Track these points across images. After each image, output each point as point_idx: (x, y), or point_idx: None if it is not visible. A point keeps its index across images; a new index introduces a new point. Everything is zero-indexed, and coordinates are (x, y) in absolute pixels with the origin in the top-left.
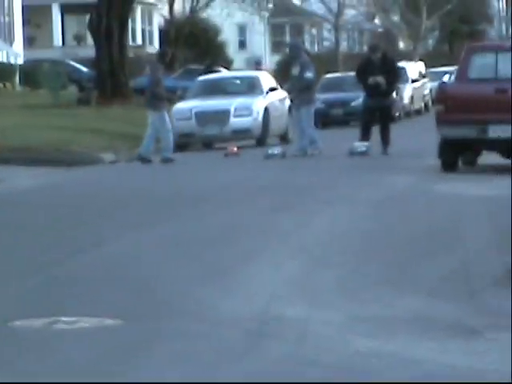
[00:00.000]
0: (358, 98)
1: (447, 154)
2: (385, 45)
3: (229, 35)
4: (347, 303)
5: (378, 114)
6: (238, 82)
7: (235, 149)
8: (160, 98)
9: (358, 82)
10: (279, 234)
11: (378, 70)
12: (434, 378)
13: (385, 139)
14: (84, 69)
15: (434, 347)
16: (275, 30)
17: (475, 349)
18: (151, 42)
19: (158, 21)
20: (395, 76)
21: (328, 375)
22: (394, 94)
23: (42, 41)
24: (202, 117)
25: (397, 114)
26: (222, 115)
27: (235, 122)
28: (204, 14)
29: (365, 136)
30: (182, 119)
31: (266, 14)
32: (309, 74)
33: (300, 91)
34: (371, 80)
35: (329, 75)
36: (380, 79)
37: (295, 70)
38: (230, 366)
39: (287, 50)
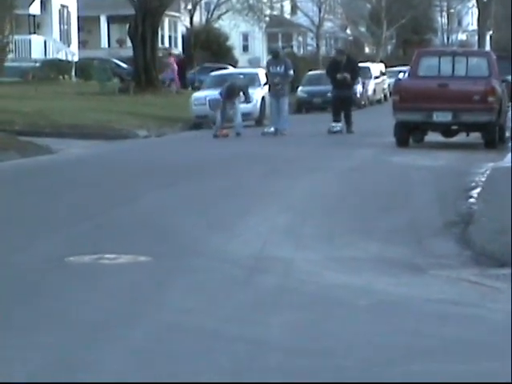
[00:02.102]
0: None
1: (401, 133)
2: (354, 50)
3: (235, 41)
4: (324, 247)
5: (343, 101)
6: (242, 76)
7: (224, 131)
8: None
9: (327, 78)
10: (270, 193)
11: (344, 68)
12: (388, 303)
13: (348, 121)
14: (124, 65)
15: (390, 281)
16: (270, 38)
17: (421, 282)
18: (176, 46)
19: (181, 29)
20: (356, 73)
21: (309, 301)
22: (356, 87)
23: (92, 43)
24: (214, 103)
25: (362, 103)
26: None
27: (240, 106)
28: (216, 25)
29: (336, 118)
30: (198, 104)
31: (264, 25)
32: (291, 72)
33: (283, 85)
34: (339, 76)
35: (311, 72)
36: (346, 75)
37: (279, 69)
38: (233, 294)
39: (270, 54)
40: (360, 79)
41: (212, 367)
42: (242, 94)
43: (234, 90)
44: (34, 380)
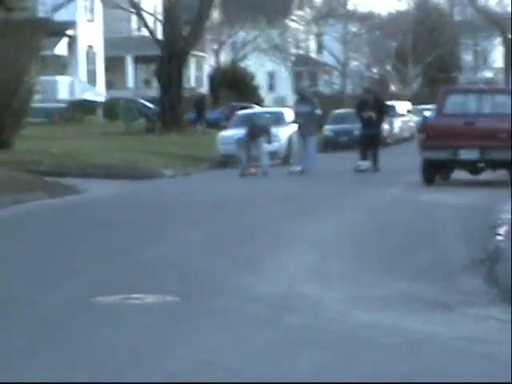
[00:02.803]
0: (358, 128)
1: (427, 171)
2: (380, 88)
3: (261, 80)
4: (350, 285)
5: (370, 140)
6: (268, 115)
7: (253, 169)
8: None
9: (356, 116)
10: (297, 231)
11: (371, 107)
12: (419, 343)
13: (375, 159)
14: (150, 105)
15: (417, 319)
16: (296, 77)
17: (449, 320)
18: (202, 85)
19: (207, 69)
20: (383, 112)
21: (337, 340)
22: (384, 126)
23: (118, 83)
24: (240, 142)
25: (389, 141)
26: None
27: (267, 146)
28: (242, 64)
29: (363, 157)
30: (225, 144)
31: (290, 64)
32: (319, 111)
33: (310, 124)
34: (365, 114)
35: (337, 111)
36: (372, 114)
37: (306, 108)
38: (260, 333)
39: (296, 94)
40: (387, 118)
41: None
42: (265, 133)
43: (256, 130)
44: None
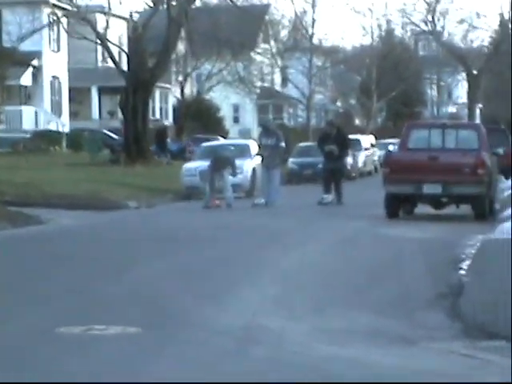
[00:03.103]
0: (322, 162)
1: (391, 205)
2: (344, 121)
3: (226, 112)
4: (314, 318)
5: (333, 173)
6: (233, 148)
7: (217, 201)
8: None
9: (318, 149)
10: (261, 264)
11: (333, 140)
12: (381, 377)
13: (339, 192)
14: (115, 136)
15: (380, 353)
16: (261, 109)
17: (412, 354)
18: (167, 117)
19: (172, 100)
20: (346, 145)
21: (300, 374)
22: (347, 159)
23: (83, 114)
24: (204, 174)
25: (353, 175)
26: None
27: (231, 178)
28: (207, 96)
29: (327, 190)
30: (189, 175)
31: (255, 97)
32: (283, 144)
33: (274, 157)
34: (327, 148)
35: (301, 144)
36: (333, 147)
37: (270, 140)
38: (225, 365)
39: (261, 127)
40: (350, 151)
41: None
42: (229, 166)
43: (221, 162)
44: None
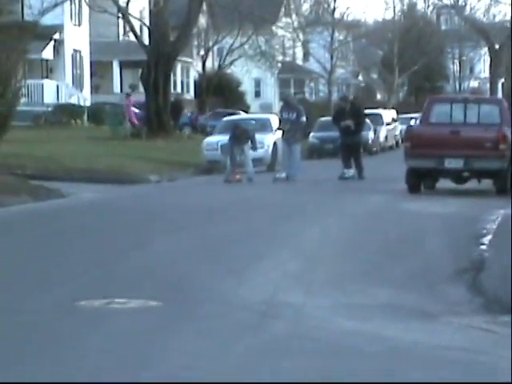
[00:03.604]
0: None
1: (412, 180)
2: (365, 96)
3: (247, 87)
4: (334, 293)
5: (350, 148)
6: (254, 122)
7: (238, 176)
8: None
9: (334, 124)
10: (281, 239)
11: (348, 115)
12: (401, 351)
13: (358, 167)
14: (136, 110)
15: (400, 327)
16: (282, 84)
17: (432, 329)
18: (188, 91)
19: (193, 74)
20: (361, 119)
21: (319, 347)
22: (368, 133)
23: (104, 88)
24: (225, 148)
25: (374, 149)
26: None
27: (252, 152)
28: (228, 70)
29: (346, 164)
30: (210, 150)
31: (276, 71)
32: (304, 119)
33: (295, 131)
34: (343, 124)
35: (323, 118)
36: (349, 122)
37: (291, 115)
38: (245, 339)
39: (282, 101)
40: (371, 125)
41: None
42: (249, 140)
43: (240, 136)
44: None
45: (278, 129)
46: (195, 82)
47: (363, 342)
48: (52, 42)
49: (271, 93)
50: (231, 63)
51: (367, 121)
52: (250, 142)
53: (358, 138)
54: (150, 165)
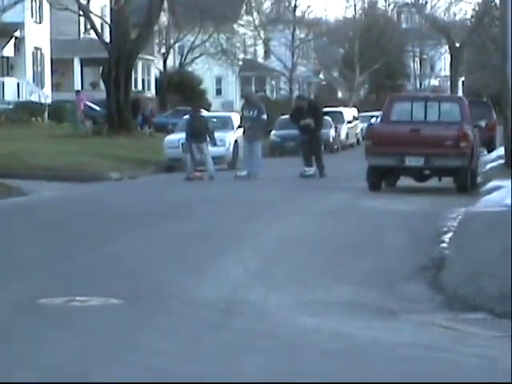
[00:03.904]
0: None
1: (373, 177)
2: (326, 94)
3: (208, 84)
4: (295, 290)
5: (310, 146)
6: (215, 120)
7: (199, 174)
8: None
9: (292, 124)
10: (243, 236)
11: (306, 113)
12: (361, 348)
13: (319, 165)
14: (97, 108)
15: (360, 325)
16: (244, 81)
17: (392, 326)
18: (149, 89)
19: (154, 72)
20: (319, 118)
21: (281, 344)
22: (329, 131)
23: (65, 86)
24: (187, 146)
25: (335, 147)
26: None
27: (212, 150)
28: (190, 68)
29: (307, 162)
30: (171, 147)
31: (237, 69)
32: (265, 116)
33: (256, 129)
34: (302, 123)
35: (284, 116)
36: (309, 121)
37: (253, 113)
38: (205, 337)
39: (243, 98)
40: (332, 123)
41: None
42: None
43: (197, 134)
44: None
45: (239, 126)
46: (156, 80)
47: (324, 339)
48: (13, 40)
49: (232, 91)
50: (192, 61)
51: (328, 119)
52: (208, 139)
53: (317, 136)
54: (111, 162)
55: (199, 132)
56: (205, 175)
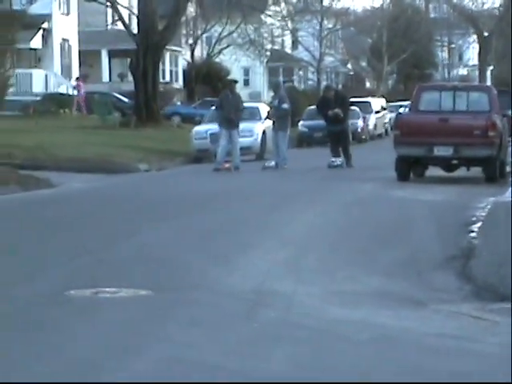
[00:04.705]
0: None
1: (402, 167)
2: (354, 84)
3: (236, 75)
4: (325, 280)
5: (338, 136)
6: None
7: (227, 165)
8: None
9: (319, 114)
10: (271, 227)
11: (333, 103)
12: (390, 338)
13: (347, 155)
14: (125, 99)
15: (390, 315)
16: (271, 72)
17: (421, 316)
18: (177, 80)
19: (182, 63)
20: (346, 108)
21: (310, 335)
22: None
23: (93, 77)
24: (215, 137)
25: (363, 137)
26: None
27: (240, 141)
28: (217, 59)
29: (335, 153)
30: (199, 138)
31: (265, 60)
32: (285, 106)
33: (278, 118)
34: (331, 113)
35: (311, 107)
36: (337, 111)
37: (275, 102)
38: (235, 327)
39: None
40: (360, 113)
41: None
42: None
43: (231, 110)
44: None
45: (267, 117)
46: (184, 71)
47: (354, 329)
48: (40, 32)
49: (260, 81)
50: (220, 52)
51: (356, 109)
52: (240, 129)
53: (345, 126)
54: (139, 154)
55: (232, 108)
56: (231, 166)
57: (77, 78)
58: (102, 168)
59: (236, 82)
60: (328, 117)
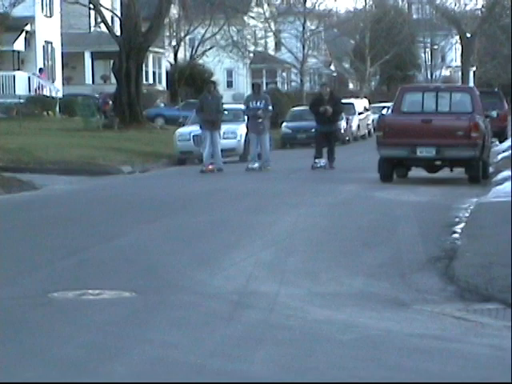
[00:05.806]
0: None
1: (385, 168)
2: (337, 85)
3: (219, 77)
4: (307, 282)
5: (326, 137)
6: (226, 112)
7: (210, 166)
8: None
9: (311, 112)
10: (254, 228)
11: (327, 102)
12: (374, 339)
13: (331, 157)
14: (109, 101)
15: (373, 316)
16: (255, 74)
17: (405, 317)
18: (160, 81)
19: (165, 65)
20: (338, 109)
21: (293, 336)
22: (340, 123)
23: (76, 79)
24: (198, 139)
25: (346, 139)
26: None
27: (224, 142)
28: (200, 61)
29: (318, 154)
30: (183, 140)
31: (248, 61)
32: (271, 108)
33: (264, 120)
34: (321, 109)
35: (295, 108)
36: (327, 107)
37: (260, 104)
38: (218, 329)
39: (253, 87)
40: (344, 115)
41: None
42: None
43: (211, 110)
44: None
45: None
46: (167, 73)
47: (337, 330)
48: (23, 34)
49: (243, 83)
50: (203, 53)
51: None
52: (221, 131)
53: (335, 126)
54: (122, 156)
55: (213, 110)
56: (214, 167)
57: (40, 70)
58: (86, 170)
59: (214, 83)
60: (319, 116)
